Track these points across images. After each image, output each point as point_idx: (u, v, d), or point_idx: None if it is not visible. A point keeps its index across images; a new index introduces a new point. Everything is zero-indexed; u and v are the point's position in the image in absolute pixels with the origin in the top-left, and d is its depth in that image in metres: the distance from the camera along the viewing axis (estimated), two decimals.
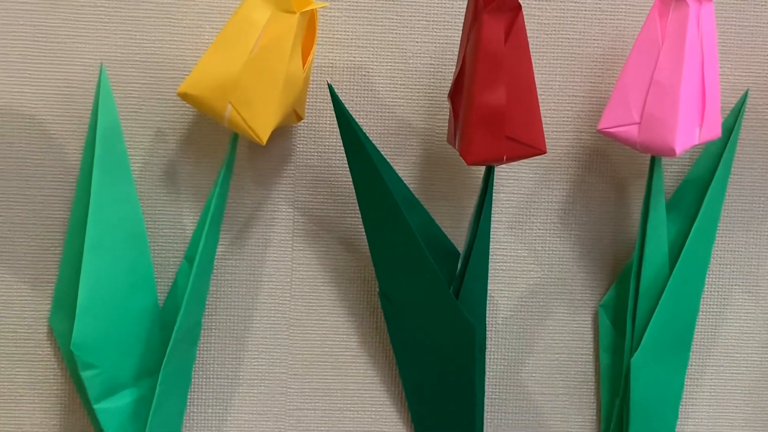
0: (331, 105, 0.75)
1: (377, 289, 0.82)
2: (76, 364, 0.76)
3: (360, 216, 0.80)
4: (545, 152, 0.73)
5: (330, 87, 0.74)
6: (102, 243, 0.75)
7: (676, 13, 0.73)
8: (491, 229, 0.81)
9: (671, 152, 0.73)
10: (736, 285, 0.86)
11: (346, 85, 0.81)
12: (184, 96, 0.73)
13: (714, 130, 0.77)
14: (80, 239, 0.77)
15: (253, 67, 0.72)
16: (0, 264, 0.80)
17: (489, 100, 0.70)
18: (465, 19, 0.73)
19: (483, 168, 0.79)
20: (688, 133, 0.74)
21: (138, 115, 0.80)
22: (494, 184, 0.81)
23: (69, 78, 0.79)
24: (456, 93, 0.73)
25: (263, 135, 0.73)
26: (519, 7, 0.69)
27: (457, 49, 0.77)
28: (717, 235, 0.84)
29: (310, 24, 0.75)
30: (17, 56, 0.78)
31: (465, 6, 0.75)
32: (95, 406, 0.76)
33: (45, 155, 0.79)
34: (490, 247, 0.80)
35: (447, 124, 0.80)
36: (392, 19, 0.81)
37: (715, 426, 0.88)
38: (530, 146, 0.73)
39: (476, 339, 0.79)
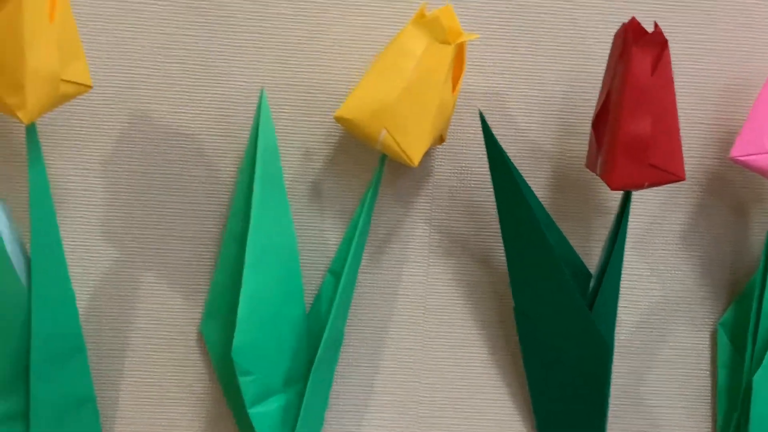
0: (467, 128, 0.79)
1: (511, 305, 0.84)
2: (234, 369, 0.79)
3: (494, 234, 0.83)
4: (684, 179, 0.76)
5: (480, 114, 0.77)
6: (261, 258, 0.78)
7: None
8: None
9: None
10: None
11: (483, 110, 0.84)
12: (340, 120, 0.76)
13: None
14: (235, 252, 0.81)
15: (410, 94, 0.75)
16: (155, 274, 0.83)
17: (635, 130, 0.73)
18: (611, 52, 0.75)
19: (611, 192, 0.82)
20: None
21: (287, 136, 0.83)
22: (616, 205, 0.84)
23: (226, 100, 0.82)
24: (600, 122, 0.76)
25: (416, 158, 0.76)
26: (666, 42, 0.72)
27: (588, 77, 0.80)
28: None
29: (459, 53, 0.78)
30: (179, 78, 0.82)
31: (595, 36, 0.80)
32: (250, 411, 0.79)
33: (200, 172, 0.83)
34: None
35: (576, 148, 0.83)
36: (528, 48, 0.84)
37: None
38: (671, 173, 0.75)
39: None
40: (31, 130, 0.73)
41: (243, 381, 0.79)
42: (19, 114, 0.68)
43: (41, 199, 0.75)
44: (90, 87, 0.73)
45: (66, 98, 0.71)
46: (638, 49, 0.72)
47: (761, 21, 0.85)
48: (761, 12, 0.85)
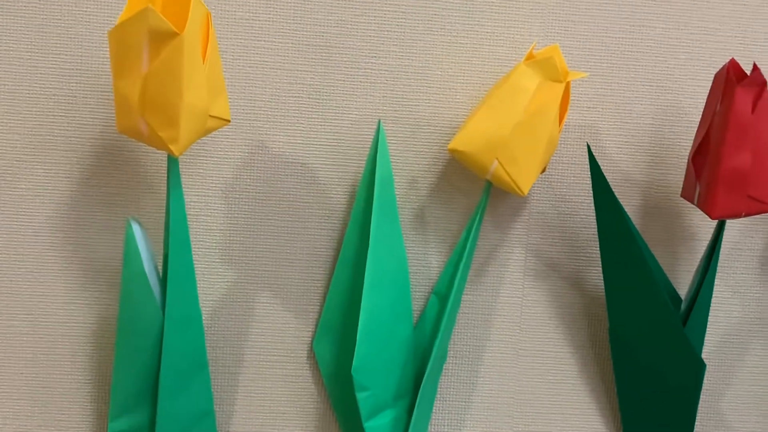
0: (563, 158, 0.85)
1: (603, 326, 0.89)
2: (345, 385, 0.84)
3: (586, 258, 0.88)
4: None
5: (588, 147, 0.81)
6: (378, 281, 0.82)
7: None
8: None
9: None
10: None
11: (576, 141, 0.88)
12: (454, 152, 0.81)
13: None
14: (348, 275, 0.85)
15: (523, 128, 0.79)
16: (270, 295, 0.87)
17: (736, 163, 0.78)
18: (711, 90, 0.80)
19: (696, 220, 0.88)
20: None
21: (395, 165, 0.87)
22: (701, 232, 0.89)
23: (339, 131, 0.86)
24: (699, 155, 0.81)
25: (525, 188, 0.81)
26: (765, 82, 0.77)
27: (676, 111, 0.86)
28: None
29: (566, 90, 0.82)
30: (296, 111, 0.87)
31: (683, 74, 0.87)
32: (366, 424, 0.83)
33: (314, 199, 0.87)
34: None
35: (665, 178, 0.88)
36: (621, 84, 0.89)
37: None
38: (767, 204, 0.80)
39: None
40: (174, 161, 0.77)
41: (360, 396, 0.83)
42: (173, 147, 0.72)
43: (179, 224, 0.79)
44: (229, 121, 0.77)
45: (208, 132, 0.76)
46: (741, 89, 0.77)
47: None
48: None
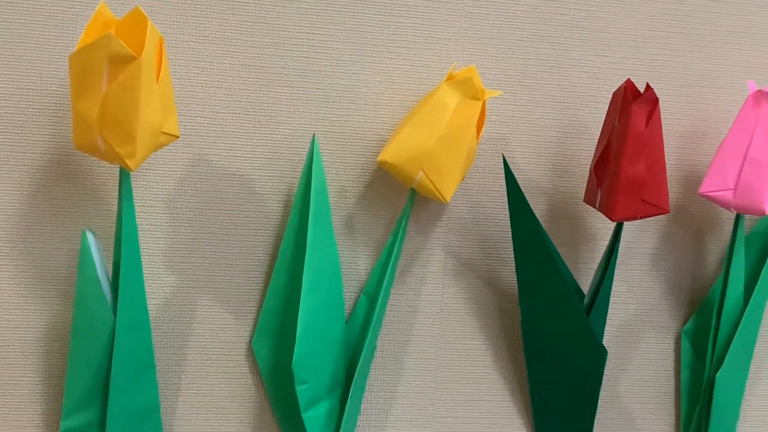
0: (478, 168, 0.93)
1: (517, 319, 0.96)
2: (282, 380, 0.89)
3: (500, 258, 0.95)
4: (668, 212, 0.89)
5: (504, 158, 0.89)
6: (315, 284, 0.87)
7: (767, 104, 0.89)
8: None
9: (762, 212, 0.90)
10: None
11: (490, 153, 0.95)
12: (383, 163, 0.87)
13: None
14: (285, 279, 0.90)
15: (445, 142, 0.86)
16: (212, 298, 0.92)
17: (633, 172, 0.85)
18: (610, 107, 0.88)
19: (596, 222, 0.96)
20: None
21: (327, 175, 0.92)
22: (601, 233, 0.97)
23: (275, 145, 0.91)
24: (600, 165, 0.88)
25: (448, 196, 0.87)
26: (657, 99, 0.85)
27: (579, 125, 0.93)
28: None
29: (482, 107, 0.89)
30: (235, 126, 0.91)
31: (584, 91, 0.94)
32: (304, 415, 0.88)
33: (252, 208, 0.91)
34: None
35: (569, 185, 0.96)
36: (528, 100, 0.96)
37: (764, 421, 1.04)
38: (659, 207, 0.88)
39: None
40: (126, 174, 0.81)
41: (299, 389, 0.87)
42: (129, 162, 0.76)
43: (131, 233, 0.83)
44: (178, 137, 0.81)
45: (160, 147, 0.80)
46: (636, 106, 0.84)
47: (721, 80, 0.99)
48: (721, 72, 0.99)
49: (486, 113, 0.90)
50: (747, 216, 0.99)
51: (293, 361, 0.86)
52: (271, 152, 0.91)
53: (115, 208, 0.87)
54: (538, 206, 0.96)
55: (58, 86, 0.87)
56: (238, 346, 0.93)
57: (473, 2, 0.93)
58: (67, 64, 0.84)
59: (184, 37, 0.89)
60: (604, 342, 0.97)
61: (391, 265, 0.91)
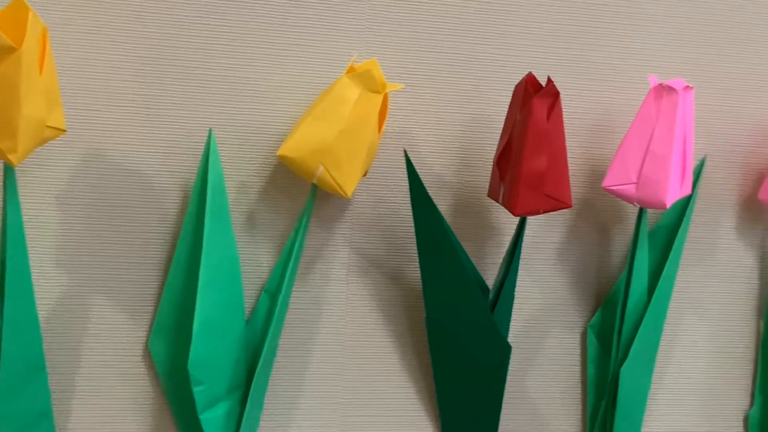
0: (382, 163, 0.91)
1: (422, 316, 0.95)
2: (180, 381, 0.86)
3: (404, 254, 0.94)
4: (571, 206, 0.88)
5: (405, 153, 0.87)
6: (212, 281, 0.85)
7: (668, 99, 0.89)
8: None
9: (663, 206, 0.89)
10: (688, 307, 1.03)
11: (394, 147, 0.94)
12: (282, 158, 0.85)
13: (688, 188, 0.93)
14: (182, 277, 0.88)
15: (346, 136, 0.84)
16: (106, 297, 0.89)
17: (534, 166, 0.85)
18: (512, 101, 0.87)
19: (501, 217, 0.95)
20: (674, 191, 0.90)
21: (224, 171, 0.90)
22: (506, 228, 0.96)
23: (172, 140, 0.89)
24: (502, 159, 0.87)
25: (349, 191, 0.86)
26: (558, 93, 0.84)
27: (484, 119, 0.92)
28: None
29: (384, 100, 0.88)
30: (131, 121, 0.88)
31: (489, 86, 0.93)
32: (201, 416, 0.86)
33: (148, 204, 0.89)
34: None
35: (474, 180, 0.95)
36: (432, 94, 0.95)
37: (670, 416, 1.04)
38: (561, 201, 0.87)
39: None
40: (11, 170, 0.78)
41: (196, 390, 0.85)
42: (11, 157, 0.73)
43: (16, 231, 0.79)
44: (65, 131, 0.78)
45: (45, 141, 0.77)
46: (537, 100, 0.84)
47: (623, 74, 0.99)
48: (624, 66, 0.99)
49: (388, 107, 0.89)
50: (651, 210, 0.99)
51: (189, 361, 0.84)
52: (167, 147, 0.89)
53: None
54: (442, 201, 0.95)
55: None
56: (134, 346, 0.90)
57: None
58: None
59: (74, 27, 0.86)
60: (510, 337, 0.96)
61: (292, 261, 0.89)
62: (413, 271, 0.95)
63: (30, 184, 0.86)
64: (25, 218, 0.84)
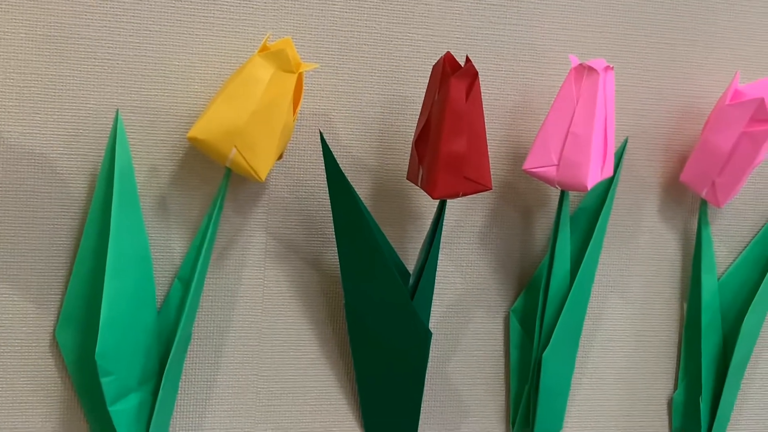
0: (299, 145, 0.90)
1: (341, 302, 0.93)
2: (89, 372, 0.83)
3: (323, 239, 0.92)
4: (491, 189, 0.87)
5: (321, 134, 0.85)
6: (120, 268, 0.82)
7: (588, 79, 0.88)
8: None
9: (584, 188, 0.89)
10: (611, 291, 1.03)
11: (311, 129, 0.92)
12: (193, 140, 0.82)
13: (610, 170, 0.92)
14: (90, 264, 0.85)
15: (258, 117, 0.82)
16: (10, 285, 0.85)
17: (453, 148, 0.83)
18: (430, 81, 0.85)
19: (422, 200, 0.94)
20: (595, 173, 0.90)
21: (135, 154, 0.87)
22: (427, 212, 0.95)
23: (78, 121, 0.86)
24: (421, 141, 0.86)
25: (263, 174, 0.83)
26: (476, 73, 0.83)
27: (402, 100, 0.91)
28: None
29: (299, 80, 0.85)
30: (33, 101, 0.85)
31: (407, 66, 0.92)
32: (111, 408, 0.83)
33: (53, 189, 0.86)
34: None
35: (393, 163, 0.93)
36: (350, 74, 0.93)
37: (594, 401, 1.04)
38: (481, 184, 0.86)
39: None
40: None
41: (104, 381, 0.83)
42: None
43: None
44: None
45: None
46: (455, 80, 0.82)
47: (544, 53, 0.98)
48: (545, 46, 0.98)
49: (303, 87, 0.87)
50: (573, 192, 0.98)
51: (97, 351, 0.81)
52: (73, 129, 0.86)
53: None
54: (361, 184, 0.94)
55: None
56: (41, 336, 0.87)
57: None
58: None
59: None
60: (432, 323, 0.95)
61: (205, 247, 0.87)
62: (332, 256, 0.93)
63: None
64: None
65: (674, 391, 1.05)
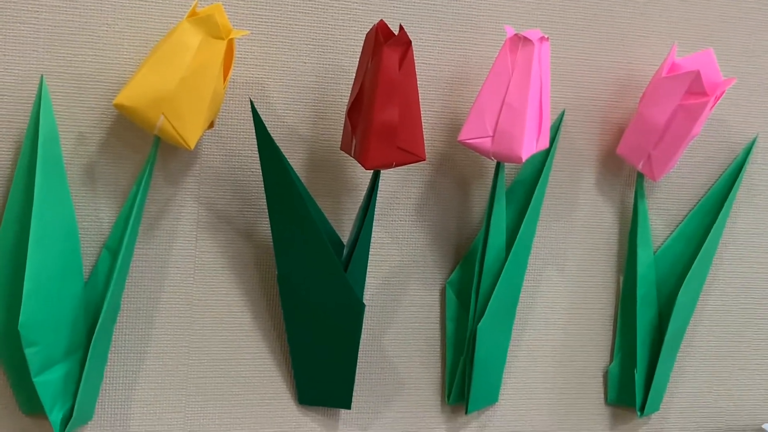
0: (232, 114, 0.89)
1: (273, 273, 0.92)
2: (15, 343, 0.82)
3: (256, 209, 0.91)
4: (425, 159, 0.87)
5: (251, 103, 0.84)
6: (44, 237, 0.81)
7: (523, 50, 0.88)
8: None
9: (519, 160, 0.89)
10: (548, 263, 1.03)
11: (244, 98, 0.91)
12: (119, 107, 0.81)
13: (545, 142, 0.93)
14: (14, 233, 0.84)
15: (186, 84, 0.81)
16: None
17: (386, 118, 0.83)
18: (363, 49, 0.85)
19: (358, 171, 0.93)
20: (530, 144, 0.90)
21: (62, 122, 0.86)
22: (363, 183, 0.94)
23: (1, 87, 0.84)
24: (354, 110, 0.85)
25: (191, 142, 0.83)
26: (410, 42, 0.82)
27: (337, 69, 0.90)
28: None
29: (229, 47, 0.84)
30: None
31: (343, 34, 0.91)
32: (35, 379, 0.82)
33: None
34: None
35: (328, 133, 0.93)
36: (284, 42, 0.92)
37: (530, 373, 1.05)
38: (415, 155, 0.86)
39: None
40: None
41: (28, 352, 0.82)
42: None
43: None
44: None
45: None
46: (388, 48, 0.82)
47: (480, 24, 0.98)
48: (481, 16, 0.98)
49: (235, 54, 0.86)
50: (509, 165, 0.98)
51: (20, 321, 0.81)
52: None
53: None
54: (295, 155, 0.93)
55: None
56: None
57: None
58: None
59: None
60: (367, 295, 0.96)
61: (133, 217, 0.86)
62: (265, 227, 0.92)
63: None
64: None
65: (610, 364, 1.05)
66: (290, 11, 0.91)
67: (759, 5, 1.06)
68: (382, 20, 0.83)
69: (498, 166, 0.95)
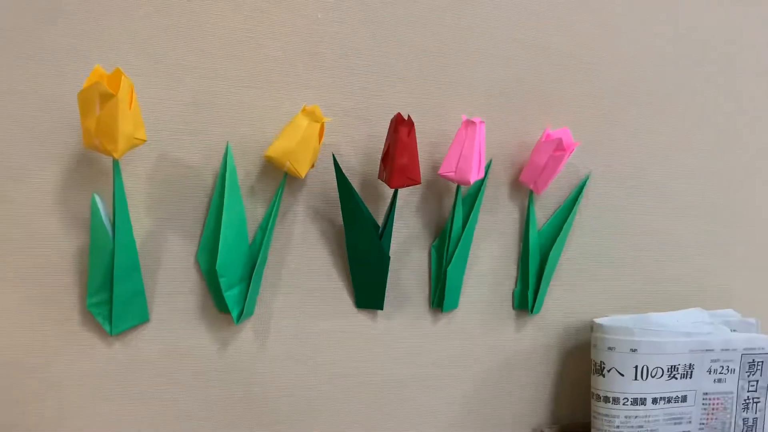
0: (322, 160, 0.89)
1: (344, 242, 0.94)
2: (214, 276, 0.85)
3: (336, 207, 0.92)
4: (420, 183, 0.89)
5: (333, 156, 0.87)
6: (230, 221, 0.84)
7: (471, 126, 0.90)
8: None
9: (468, 183, 0.91)
10: (483, 238, 1.03)
11: (329, 152, 0.93)
12: (269, 158, 0.84)
13: (482, 173, 0.95)
14: (215, 217, 0.87)
15: (301, 145, 0.84)
16: (172, 226, 0.86)
17: (401, 162, 0.86)
18: (390, 127, 0.87)
19: (386, 189, 0.94)
20: (474, 175, 0.92)
21: (237, 165, 0.88)
22: (388, 195, 0.96)
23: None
24: (385, 158, 0.88)
25: (303, 174, 0.86)
26: (413, 123, 0.85)
27: (375, 138, 0.92)
28: (478, 217, 1.02)
29: (321, 126, 0.87)
30: None
31: (378, 120, 0.91)
32: (225, 294, 0.85)
33: (198, 184, 0.86)
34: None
35: (372, 170, 0.95)
36: (347, 123, 0.93)
37: (475, 293, 1.03)
38: (415, 180, 0.88)
39: None
40: (116, 164, 0.76)
41: (221, 280, 0.85)
42: (114, 154, 0.72)
43: (122, 206, 0.78)
44: (145, 140, 0.76)
45: (134, 146, 0.75)
46: (402, 126, 0.85)
47: (448, 114, 0.99)
48: (449, 107, 0.99)
49: (325, 128, 0.88)
50: (464, 186, 1.00)
51: (217, 264, 0.84)
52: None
53: None
54: (354, 182, 0.94)
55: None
56: (188, 257, 0.88)
57: None
58: None
59: None
60: (391, 251, 0.96)
61: (273, 213, 0.89)
62: (339, 216, 0.94)
63: None
64: None
65: (515, 287, 1.07)
66: (349, 115, 0.93)
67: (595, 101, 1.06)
68: (399, 113, 0.86)
69: (458, 187, 0.97)
